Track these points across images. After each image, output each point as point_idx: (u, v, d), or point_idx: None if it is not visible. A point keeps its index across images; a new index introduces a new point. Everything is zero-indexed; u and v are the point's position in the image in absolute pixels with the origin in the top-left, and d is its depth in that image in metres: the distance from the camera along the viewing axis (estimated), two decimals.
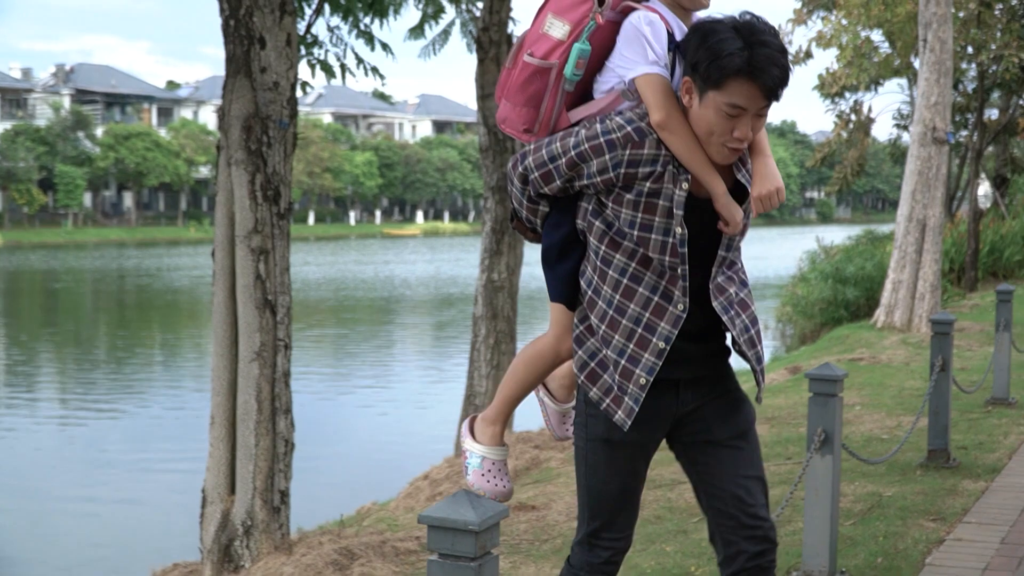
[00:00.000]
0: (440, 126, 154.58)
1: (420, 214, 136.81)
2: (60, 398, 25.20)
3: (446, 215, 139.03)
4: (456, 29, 13.98)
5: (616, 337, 4.07)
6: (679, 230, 3.97)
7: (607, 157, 3.95)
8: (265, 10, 7.93)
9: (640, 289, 4.04)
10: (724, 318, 4.10)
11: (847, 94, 36.03)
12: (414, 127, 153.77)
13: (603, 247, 4.06)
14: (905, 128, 35.97)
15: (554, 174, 4.04)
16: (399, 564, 7.57)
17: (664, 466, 9.89)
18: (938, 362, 9.64)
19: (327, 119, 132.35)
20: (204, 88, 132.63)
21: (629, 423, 4.08)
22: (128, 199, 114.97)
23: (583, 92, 4.15)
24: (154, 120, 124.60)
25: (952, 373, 10.12)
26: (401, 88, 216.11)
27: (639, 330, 4.07)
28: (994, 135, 35.30)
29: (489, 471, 4.42)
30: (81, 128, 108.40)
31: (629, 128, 3.95)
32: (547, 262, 4.22)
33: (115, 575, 13.01)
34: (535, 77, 4.11)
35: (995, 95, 36.25)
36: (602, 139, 3.95)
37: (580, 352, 4.15)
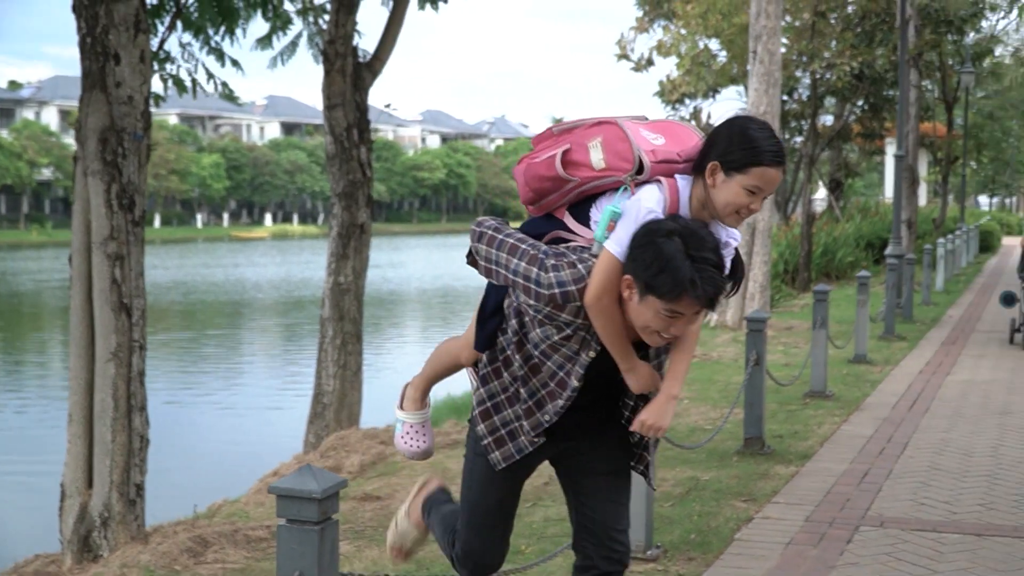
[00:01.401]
0: (288, 128, 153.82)
1: (268, 216, 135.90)
2: None
3: (295, 217, 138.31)
4: (303, 41, 14.42)
5: (523, 395, 4.38)
6: (575, 383, 4.28)
7: (532, 302, 4.18)
8: (120, 28, 8.36)
9: (524, 389, 4.37)
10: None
11: (687, 100, 36.91)
12: (262, 129, 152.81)
13: (514, 340, 4.35)
14: None
15: (493, 276, 4.34)
16: (251, 551, 8.05)
17: None
18: (752, 357, 10.38)
19: (173, 120, 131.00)
20: (46, 88, 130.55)
21: (502, 466, 4.47)
22: None
23: (590, 195, 4.38)
24: None
25: (767, 367, 10.87)
26: (248, 89, 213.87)
27: (529, 404, 4.40)
28: (828, 141, 36.38)
29: (407, 434, 5.00)
30: None
31: (557, 291, 4.12)
32: (480, 314, 4.50)
33: None
34: (553, 179, 4.36)
35: (831, 102, 37.38)
36: (532, 287, 4.15)
37: (482, 390, 4.49)
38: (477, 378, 4.54)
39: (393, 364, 29.57)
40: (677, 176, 4.26)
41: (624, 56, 35.58)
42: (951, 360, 17.13)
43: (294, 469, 12.30)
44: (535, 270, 4.16)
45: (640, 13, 37.50)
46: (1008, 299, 19.28)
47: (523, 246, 4.25)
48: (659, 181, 4.24)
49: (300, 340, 36.14)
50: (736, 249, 4.41)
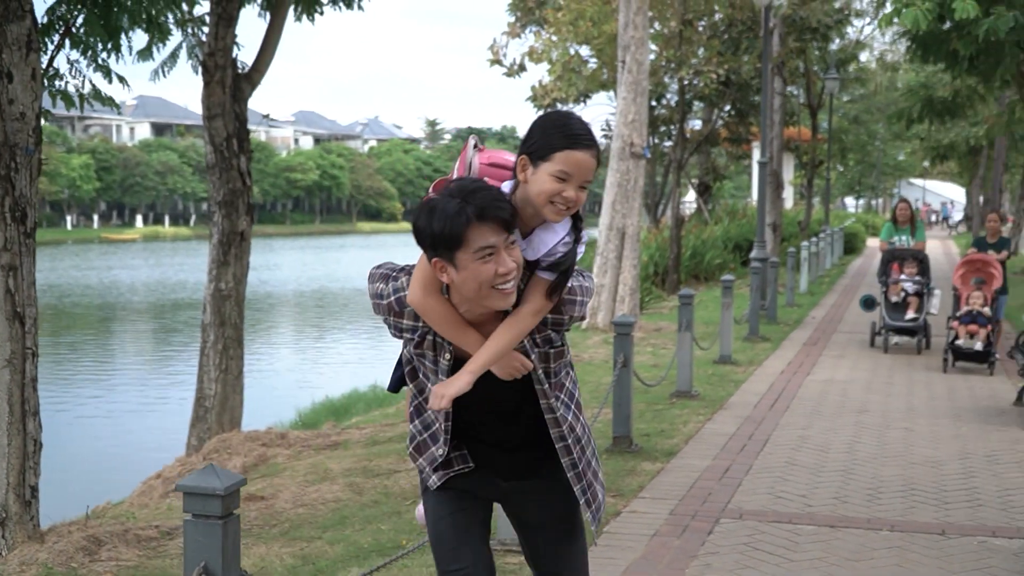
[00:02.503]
0: (159, 128, 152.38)
1: (139, 218, 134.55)
2: None
3: (166, 219, 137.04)
4: (183, 52, 14.67)
5: (419, 428, 4.50)
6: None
7: (383, 317, 4.28)
8: (13, 48, 8.63)
9: (419, 420, 4.48)
10: (559, 446, 4.37)
11: (558, 105, 37.35)
12: (132, 129, 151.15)
13: (407, 369, 4.42)
14: (610, 139, 37.69)
15: (375, 310, 4.34)
16: (142, 549, 8.39)
17: (381, 458, 10.95)
18: (620, 359, 10.89)
19: (41, 121, 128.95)
20: None
21: (437, 485, 4.46)
22: None
23: None
24: None
25: (635, 369, 11.40)
26: (118, 89, 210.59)
27: (425, 436, 4.48)
28: (696, 145, 37.09)
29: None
30: None
31: (393, 298, 4.22)
32: (399, 359, 4.52)
33: None
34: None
35: (699, 106, 38.13)
36: (378, 301, 4.27)
37: (411, 426, 4.54)
38: (412, 411, 4.58)
39: (272, 367, 29.80)
40: (506, 182, 4.23)
41: (497, 61, 35.90)
42: (812, 360, 17.81)
43: (177, 471, 12.59)
44: (381, 286, 4.26)
45: (512, 19, 37.96)
46: (868, 303, 19.86)
47: (383, 270, 4.33)
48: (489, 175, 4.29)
49: (179, 344, 36.21)
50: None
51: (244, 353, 14.46)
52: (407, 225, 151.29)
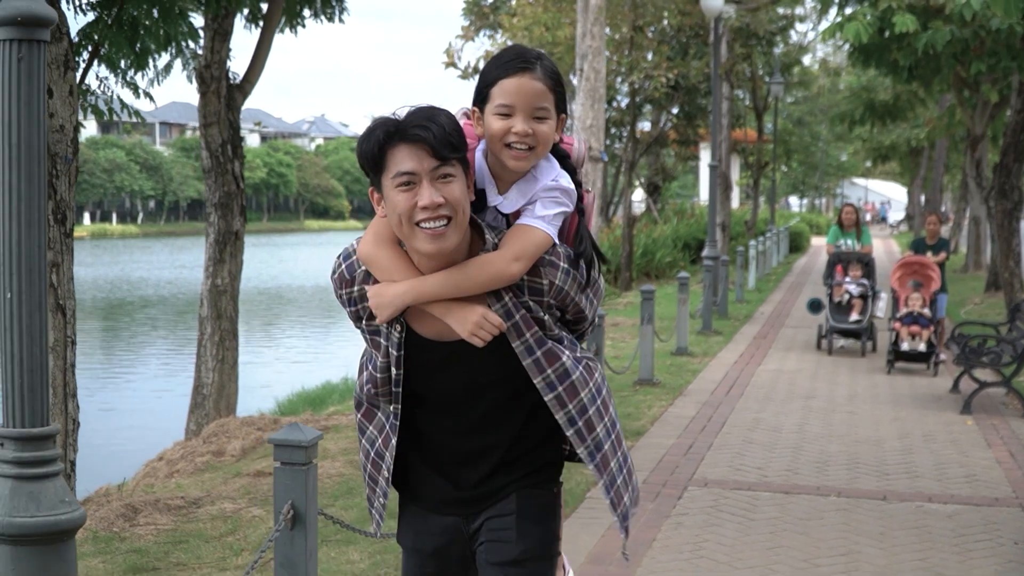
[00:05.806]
0: (106, 126, 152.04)
1: (87, 216, 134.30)
2: None
3: (114, 217, 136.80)
4: (178, 63, 15.58)
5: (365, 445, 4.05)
6: (395, 371, 3.75)
7: (337, 293, 3.79)
8: (52, 66, 9.57)
9: (375, 418, 3.96)
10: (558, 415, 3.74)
11: None
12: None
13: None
14: None
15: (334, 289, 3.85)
16: (174, 515, 9.34)
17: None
18: (592, 348, 11.97)
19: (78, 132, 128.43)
20: None
21: (378, 533, 4.24)
22: None
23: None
24: None
25: (605, 358, 12.47)
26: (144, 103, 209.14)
27: (372, 453, 3.98)
28: (647, 146, 38.12)
29: None
30: None
31: (343, 266, 3.75)
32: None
33: None
34: None
35: (648, 109, 39.17)
36: (333, 280, 3.80)
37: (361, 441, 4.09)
38: None
39: (249, 360, 30.50)
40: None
41: (452, 64, 36.71)
42: (762, 352, 18.91)
43: (179, 453, 13.46)
44: (336, 262, 3.81)
45: (466, 22, 38.83)
46: (814, 306, 20.50)
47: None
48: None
49: (155, 339, 36.81)
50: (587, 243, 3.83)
51: (240, 344, 15.42)
52: (355, 223, 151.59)
